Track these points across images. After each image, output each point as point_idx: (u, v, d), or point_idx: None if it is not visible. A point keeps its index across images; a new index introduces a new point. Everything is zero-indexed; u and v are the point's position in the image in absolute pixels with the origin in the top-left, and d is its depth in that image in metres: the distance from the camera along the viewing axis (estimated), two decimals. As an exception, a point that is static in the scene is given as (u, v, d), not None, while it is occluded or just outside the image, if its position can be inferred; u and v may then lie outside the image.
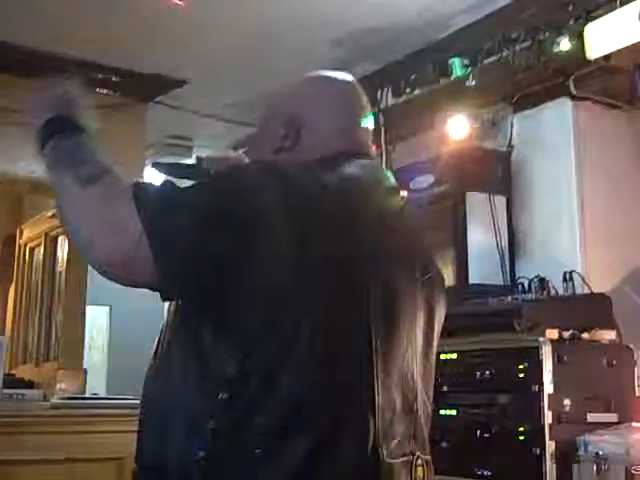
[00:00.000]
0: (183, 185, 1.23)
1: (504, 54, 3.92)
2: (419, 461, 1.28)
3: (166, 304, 1.30)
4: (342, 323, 1.20)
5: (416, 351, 1.33)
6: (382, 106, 4.60)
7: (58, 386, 4.55)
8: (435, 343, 1.42)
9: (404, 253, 1.35)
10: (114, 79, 4.75)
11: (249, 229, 1.15)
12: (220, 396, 1.15)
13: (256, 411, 1.14)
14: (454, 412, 3.11)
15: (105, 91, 4.77)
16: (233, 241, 1.14)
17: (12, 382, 3.99)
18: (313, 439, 1.14)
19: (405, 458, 1.25)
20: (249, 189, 1.18)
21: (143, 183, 1.22)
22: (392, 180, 1.44)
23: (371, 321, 1.22)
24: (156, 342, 1.35)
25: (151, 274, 1.13)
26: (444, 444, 3.01)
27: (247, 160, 1.54)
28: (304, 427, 1.15)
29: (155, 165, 1.70)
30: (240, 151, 1.66)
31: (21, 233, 5.94)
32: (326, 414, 1.17)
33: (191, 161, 1.76)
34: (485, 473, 2.93)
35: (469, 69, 4.09)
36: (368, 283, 1.24)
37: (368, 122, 1.48)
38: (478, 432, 2.99)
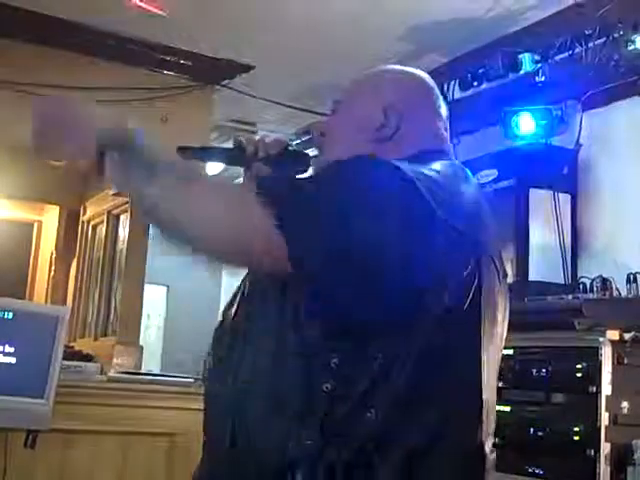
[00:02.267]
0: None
1: (576, 50, 3.86)
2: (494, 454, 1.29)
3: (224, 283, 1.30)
4: (460, 318, 1.21)
5: (498, 349, 1.34)
6: (449, 99, 4.57)
7: (115, 361, 4.64)
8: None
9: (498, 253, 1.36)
10: (182, 62, 4.80)
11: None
12: (325, 387, 1.16)
13: (365, 404, 1.15)
14: (508, 408, 3.08)
15: (173, 73, 4.83)
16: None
17: (71, 354, 4.08)
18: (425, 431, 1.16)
19: (493, 454, 1.28)
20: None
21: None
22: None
23: (481, 319, 1.24)
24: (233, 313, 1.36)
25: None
26: (496, 440, 2.98)
27: (324, 148, 1.49)
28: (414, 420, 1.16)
29: (182, 150, 1.51)
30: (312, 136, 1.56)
31: (85, 210, 6.05)
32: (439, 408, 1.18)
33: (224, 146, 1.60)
34: (537, 471, 2.90)
35: (539, 64, 4.03)
36: (478, 281, 1.24)
37: (447, 123, 1.50)
38: (532, 430, 2.96)
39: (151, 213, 1.21)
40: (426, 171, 1.27)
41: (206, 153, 1.59)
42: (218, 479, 1.29)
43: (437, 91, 1.50)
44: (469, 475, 1.21)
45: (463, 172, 1.38)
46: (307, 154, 1.54)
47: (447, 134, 1.48)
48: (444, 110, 1.49)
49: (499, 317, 1.32)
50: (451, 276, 1.20)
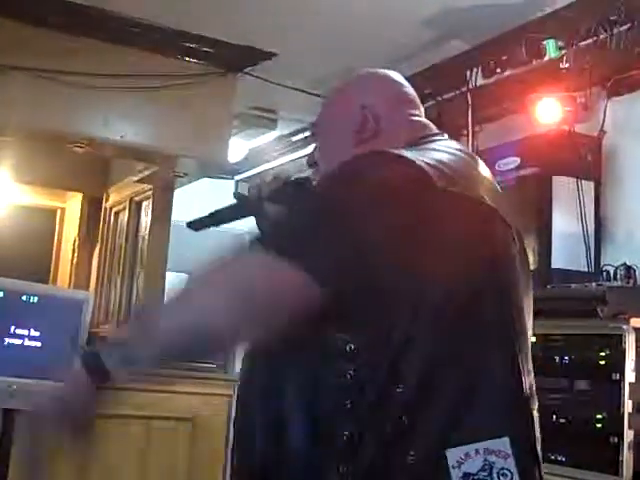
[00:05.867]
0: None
1: (601, 37, 3.82)
2: None
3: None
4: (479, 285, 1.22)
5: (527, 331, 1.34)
6: (471, 86, 4.54)
7: (137, 346, 4.67)
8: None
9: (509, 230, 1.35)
10: (204, 49, 4.80)
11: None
12: (348, 375, 1.15)
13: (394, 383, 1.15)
14: (530, 395, 3.06)
15: (195, 61, 4.83)
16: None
17: (94, 340, 4.11)
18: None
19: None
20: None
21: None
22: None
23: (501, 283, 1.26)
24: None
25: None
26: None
27: (321, 163, 1.52)
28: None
29: (192, 224, 1.56)
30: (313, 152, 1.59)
31: (107, 197, 6.10)
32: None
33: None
34: (559, 458, 2.89)
35: (563, 51, 4.00)
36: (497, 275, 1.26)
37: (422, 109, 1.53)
38: (554, 417, 2.95)
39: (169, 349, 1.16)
40: (425, 151, 1.30)
41: (215, 218, 1.61)
42: None
43: (405, 82, 1.53)
44: (516, 421, 1.21)
45: (464, 151, 1.41)
46: (307, 178, 1.55)
47: (424, 119, 1.50)
48: (415, 98, 1.53)
49: (521, 287, 1.31)
50: (464, 246, 1.20)
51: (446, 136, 1.47)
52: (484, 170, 1.40)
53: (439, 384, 1.15)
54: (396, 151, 1.26)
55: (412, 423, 1.13)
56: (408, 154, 1.24)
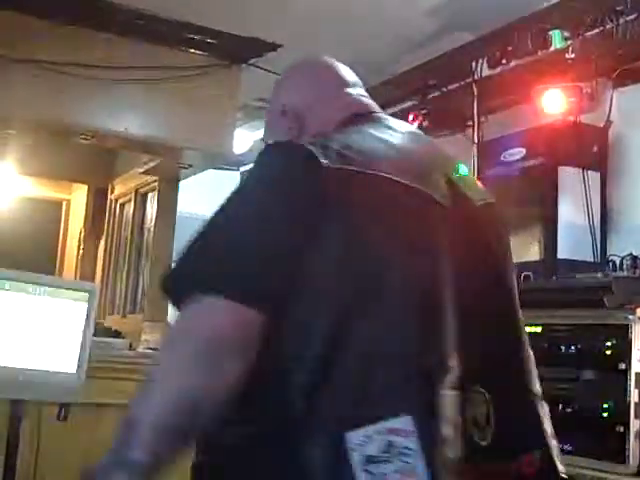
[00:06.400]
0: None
1: (607, 27, 3.81)
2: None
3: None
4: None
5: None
6: (476, 77, 4.53)
7: (143, 337, 4.69)
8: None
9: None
10: (209, 40, 4.80)
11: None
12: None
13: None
14: (537, 385, 3.07)
15: (199, 52, 4.83)
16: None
17: (100, 330, 4.13)
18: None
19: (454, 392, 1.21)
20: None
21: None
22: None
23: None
24: None
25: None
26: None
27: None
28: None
29: None
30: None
31: (112, 189, 6.10)
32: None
33: None
34: (566, 448, 2.88)
35: (569, 41, 3.98)
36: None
37: (360, 87, 1.52)
38: (560, 406, 2.95)
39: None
40: (343, 135, 1.30)
41: None
42: None
43: (336, 65, 1.53)
44: (418, 399, 1.16)
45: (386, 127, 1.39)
46: None
47: (361, 95, 1.49)
48: (351, 77, 1.52)
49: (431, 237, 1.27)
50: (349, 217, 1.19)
51: (386, 116, 1.46)
52: (427, 153, 1.39)
53: (337, 368, 1.12)
54: (295, 141, 1.28)
55: (311, 409, 1.11)
56: (309, 141, 1.25)
